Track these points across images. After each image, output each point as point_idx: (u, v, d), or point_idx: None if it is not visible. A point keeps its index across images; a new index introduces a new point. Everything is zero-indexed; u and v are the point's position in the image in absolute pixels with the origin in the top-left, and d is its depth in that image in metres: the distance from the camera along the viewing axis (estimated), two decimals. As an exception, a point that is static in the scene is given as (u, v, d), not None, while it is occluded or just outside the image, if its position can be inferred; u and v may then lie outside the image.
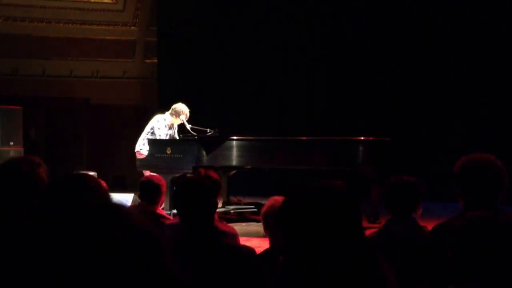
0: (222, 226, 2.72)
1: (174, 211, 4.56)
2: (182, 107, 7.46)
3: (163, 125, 7.49)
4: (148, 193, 4.02)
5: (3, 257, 1.81)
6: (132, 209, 0.94)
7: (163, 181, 4.11)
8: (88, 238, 0.85)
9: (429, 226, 2.74)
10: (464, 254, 1.81)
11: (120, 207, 0.90)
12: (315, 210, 1.24)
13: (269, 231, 2.56)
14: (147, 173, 6.99)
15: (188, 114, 7.46)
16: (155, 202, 4.03)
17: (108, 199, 1.88)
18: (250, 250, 2.32)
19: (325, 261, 1.19)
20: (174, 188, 2.86)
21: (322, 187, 1.29)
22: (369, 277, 1.20)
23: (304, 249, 1.21)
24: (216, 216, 2.54)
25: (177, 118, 7.46)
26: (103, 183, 4.09)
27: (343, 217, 1.24)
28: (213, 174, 3.65)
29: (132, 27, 12.69)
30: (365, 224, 6.83)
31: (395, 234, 2.70)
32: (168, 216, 4.47)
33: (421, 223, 2.86)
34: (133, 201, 6.61)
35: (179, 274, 0.90)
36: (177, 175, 7.05)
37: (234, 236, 2.73)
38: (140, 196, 4.16)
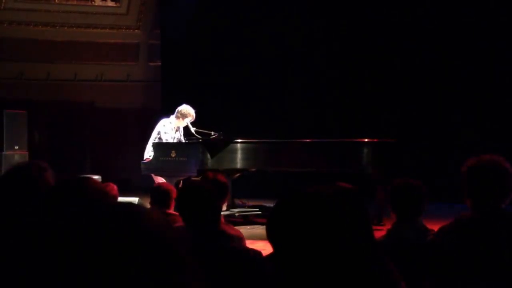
0: (229, 229, 2.72)
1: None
2: (188, 109, 7.42)
3: (169, 128, 7.47)
4: (159, 199, 4.10)
5: (9, 260, 1.82)
6: (148, 210, 0.93)
7: (172, 187, 4.18)
8: (96, 240, 0.84)
9: (435, 228, 2.74)
10: (459, 253, 1.81)
11: (132, 206, 0.89)
12: (310, 218, 1.16)
13: None
14: (158, 179, 6.97)
15: (194, 116, 7.42)
16: (167, 206, 4.08)
17: (116, 201, 1.88)
18: (257, 254, 2.32)
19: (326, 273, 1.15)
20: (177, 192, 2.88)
21: (315, 193, 1.21)
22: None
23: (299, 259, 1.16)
24: (222, 219, 2.54)
25: (183, 120, 7.41)
26: (114, 188, 4.12)
27: (341, 223, 1.17)
28: (221, 178, 3.65)
29: (136, 30, 12.72)
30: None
31: (403, 237, 2.70)
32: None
33: (427, 226, 2.86)
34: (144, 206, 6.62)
35: (200, 275, 0.90)
36: (182, 178, 7.05)
37: (240, 239, 2.73)
38: (151, 202, 4.22)
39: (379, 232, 5.73)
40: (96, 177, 8.63)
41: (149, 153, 7.45)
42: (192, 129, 7.41)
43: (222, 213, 2.73)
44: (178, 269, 0.84)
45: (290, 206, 1.22)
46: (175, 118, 7.47)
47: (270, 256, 2.25)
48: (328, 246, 1.14)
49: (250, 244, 3.08)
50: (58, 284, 0.80)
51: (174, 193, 4.09)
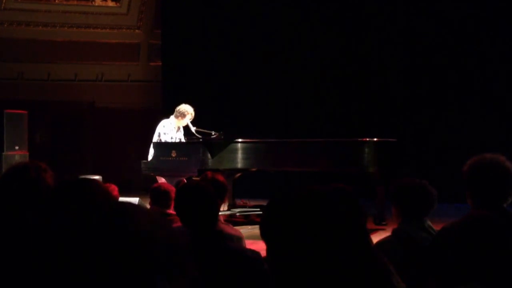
0: (228, 229, 2.71)
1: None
2: (186, 108, 7.41)
3: (169, 129, 7.46)
4: (158, 199, 4.11)
5: (10, 261, 1.81)
6: (145, 209, 0.92)
7: (172, 187, 4.18)
8: (96, 240, 0.84)
9: (438, 227, 2.73)
10: (465, 253, 1.79)
11: (130, 205, 0.89)
12: (300, 219, 1.17)
13: None
14: (161, 179, 6.96)
15: (193, 114, 7.42)
16: (167, 206, 4.09)
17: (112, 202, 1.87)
18: (255, 254, 2.31)
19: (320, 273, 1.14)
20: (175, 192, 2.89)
21: (309, 193, 1.21)
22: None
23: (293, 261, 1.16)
24: (222, 219, 2.53)
25: (183, 119, 7.41)
26: (115, 189, 4.13)
27: (334, 225, 1.17)
28: (220, 177, 3.65)
29: (137, 30, 12.71)
30: (371, 225, 6.84)
31: (409, 237, 2.68)
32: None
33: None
34: (138, 205, 6.61)
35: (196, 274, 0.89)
36: (182, 178, 7.05)
37: (239, 239, 2.73)
38: (151, 203, 4.21)
39: (381, 232, 5.73)
40: (96, 177, 8.64)
41: (151, 155, 7.43)
42: (193, 129, 7.41)
43: (223, 213, 2.75)
44: (174, 269, 0.84)
45: (282, 205, 1.22)
46: (175, 118, 7.46)
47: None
48: (320, 244, 1.15)
49: (250, 244, 3.07)
50: (56, 283, 0.80)
51: (174, 193, 4.10)
